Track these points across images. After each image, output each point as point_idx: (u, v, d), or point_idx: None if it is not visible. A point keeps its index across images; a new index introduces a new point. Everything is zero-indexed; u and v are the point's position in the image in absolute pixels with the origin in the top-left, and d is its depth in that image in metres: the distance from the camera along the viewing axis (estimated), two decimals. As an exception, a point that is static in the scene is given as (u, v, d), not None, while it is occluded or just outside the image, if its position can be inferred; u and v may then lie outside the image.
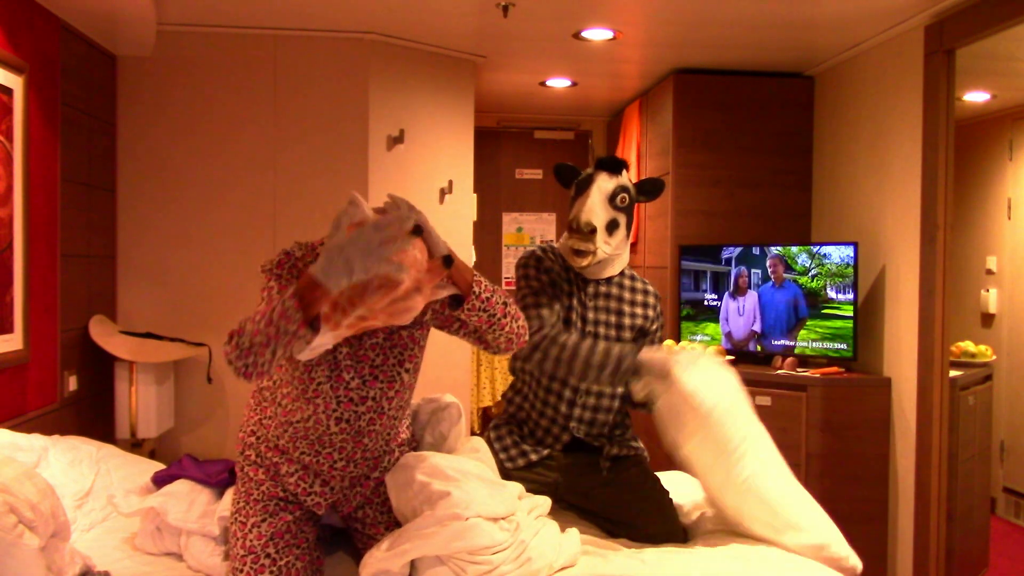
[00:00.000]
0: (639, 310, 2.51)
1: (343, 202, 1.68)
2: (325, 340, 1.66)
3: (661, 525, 2.36)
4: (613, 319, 2.47)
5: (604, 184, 2.42)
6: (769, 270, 3.91)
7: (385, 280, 1.56)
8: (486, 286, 1.86)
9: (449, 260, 1.69)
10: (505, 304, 1.90)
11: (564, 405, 2.44)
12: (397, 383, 1.95)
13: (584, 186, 2.44)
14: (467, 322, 1.90)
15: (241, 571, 1.91)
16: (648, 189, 2.52)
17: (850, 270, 3.68)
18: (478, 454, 2.26)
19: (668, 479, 2.61)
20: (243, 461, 2.06)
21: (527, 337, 1.97)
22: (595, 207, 2.39)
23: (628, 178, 2.47)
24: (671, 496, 2.47)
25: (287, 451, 1.99)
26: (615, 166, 2.45)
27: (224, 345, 1.66)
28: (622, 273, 2.53)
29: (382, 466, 2.08)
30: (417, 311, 1.68)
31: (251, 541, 1.94)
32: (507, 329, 1.91)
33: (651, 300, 2.54)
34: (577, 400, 2.44)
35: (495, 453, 2.50)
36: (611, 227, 2.40)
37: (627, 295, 2.51)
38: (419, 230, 1.60)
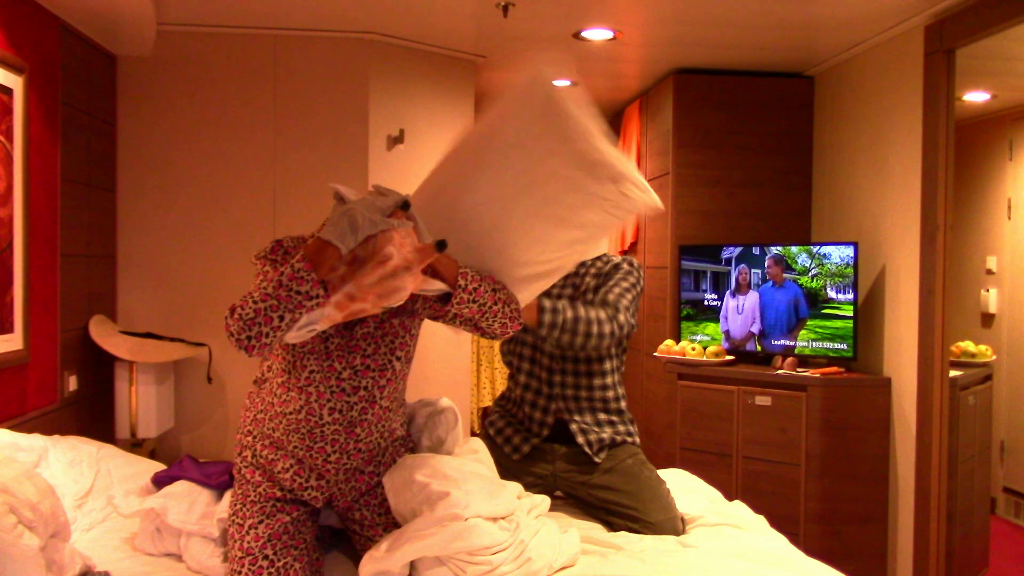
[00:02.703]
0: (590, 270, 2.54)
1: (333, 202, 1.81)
2: (314, 318, 1.67)
3: (659, 513, 2.37)
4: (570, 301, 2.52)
5: None
6: (767, 271, 3.91)
7: (381, 245, 1.64)
8: (472, 277, 1.87)
9: (443, 244, 1.71)
10: (495, 291, 1.91)
11: (544, 372, 2.52)
12: (389, 372, 1.96)
13: None
14: (459, 313, 1.91)
15: (239, 572, 1.91)
16: None
17: (850, 270, 3.67)
18: (476, 455, 2.26)
19: (665, 475, 2.61)
20: (240, 463, 2.06)
21: (522, 320, 2.00)
22: None
23: None
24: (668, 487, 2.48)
25: (281, 445, 1.98)
26: None
27: (226, 319, 1.66)
28: (600, 258, 2.57)
29: (377, 459, 2.08)
30: (406, 292, 1.71)
31: (249, 542, 1.94)
32: (499, 315, 1.93)
33: (598, 262, 2.56)
34: (555, 367, 2.50)
35: (492, 440, 2.52)
36: None
37: (589, 280, 2.54)
38: (407, 205, 1.73)
